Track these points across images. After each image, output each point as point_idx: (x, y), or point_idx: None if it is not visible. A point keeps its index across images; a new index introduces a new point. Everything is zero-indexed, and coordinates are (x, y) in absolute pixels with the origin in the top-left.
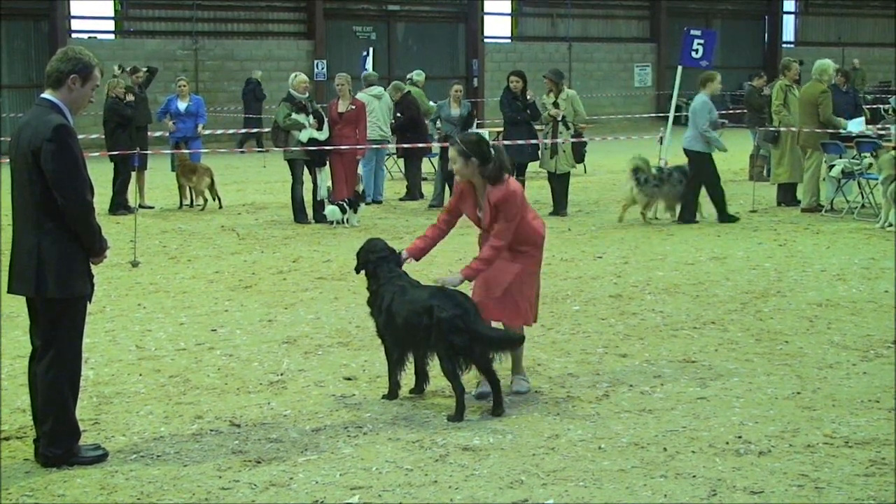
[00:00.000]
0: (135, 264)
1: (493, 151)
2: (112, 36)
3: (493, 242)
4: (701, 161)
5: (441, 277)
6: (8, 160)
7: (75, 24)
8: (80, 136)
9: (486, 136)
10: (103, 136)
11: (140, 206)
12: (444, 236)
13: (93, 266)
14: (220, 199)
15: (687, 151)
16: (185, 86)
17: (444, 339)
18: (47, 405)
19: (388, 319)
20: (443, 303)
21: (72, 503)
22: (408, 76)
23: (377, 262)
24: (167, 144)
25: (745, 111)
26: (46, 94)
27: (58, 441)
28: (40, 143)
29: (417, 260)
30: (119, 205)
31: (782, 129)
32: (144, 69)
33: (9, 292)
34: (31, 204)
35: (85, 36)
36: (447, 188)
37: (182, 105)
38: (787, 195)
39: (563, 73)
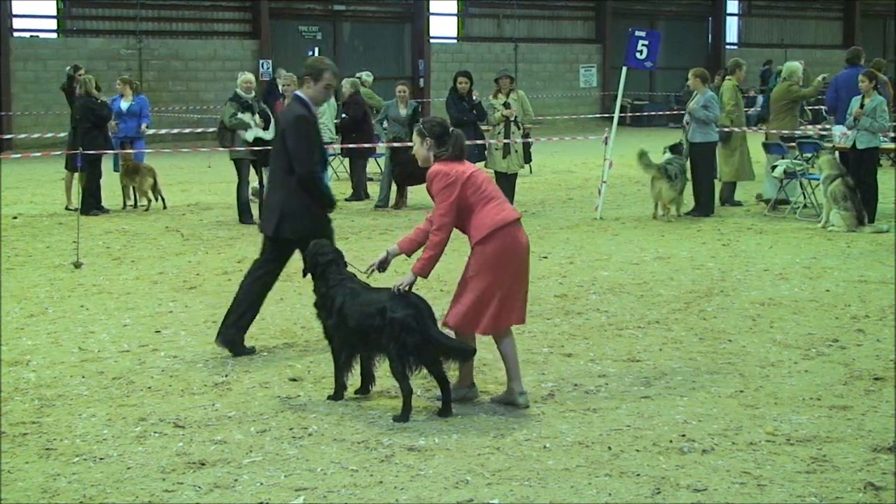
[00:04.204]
0: (78, 265)
1: (450, 136)
2: (55, 35)
3: (431, 229)
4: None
5: (396, 282)
6: None
7: (17, 23)
8: (22, 136)
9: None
10: (65, 135)
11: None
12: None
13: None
14: (163, 200)
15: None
16: (129, 84)
17: (396, 339)
18: (245, 300)
19: (340, 321)
20: (395, 303)
21: None
22: (356, 75)
23: (326, 264)
24: (110, 145)
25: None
26: (297, 91)
27: (241, 326)
28: (285, 126)
29: (409, 255)
30: (90, 205)
31: (735, 129)
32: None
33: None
34: (280, 169)
35: (27, 35)
36: (393, 189)
37: (125, 105)
38: (729, 194)
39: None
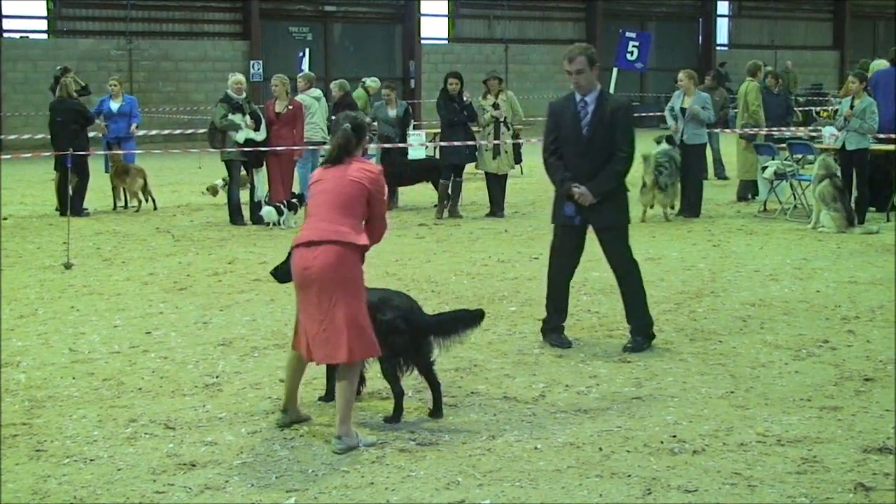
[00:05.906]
0: (68, 266)
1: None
2: (45, 36)
3: None
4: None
5: None
6: None
7: (7, 24)
8: (12, 137)
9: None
10: (49, 136)
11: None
12: None
13: None
14: (154, 201)
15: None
16: (116, 86)
17: (385, 341)
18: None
19: None
20: (384, 305)
21: None
22: (362, 80)
23: None
24: (100, 146)
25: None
26: None
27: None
28: None
29: None
30: (78, 209)
31: (761, 130)
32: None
33: None
34: None
35: (17, 35)
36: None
37: (115, 105)
38: (745, 191)
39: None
